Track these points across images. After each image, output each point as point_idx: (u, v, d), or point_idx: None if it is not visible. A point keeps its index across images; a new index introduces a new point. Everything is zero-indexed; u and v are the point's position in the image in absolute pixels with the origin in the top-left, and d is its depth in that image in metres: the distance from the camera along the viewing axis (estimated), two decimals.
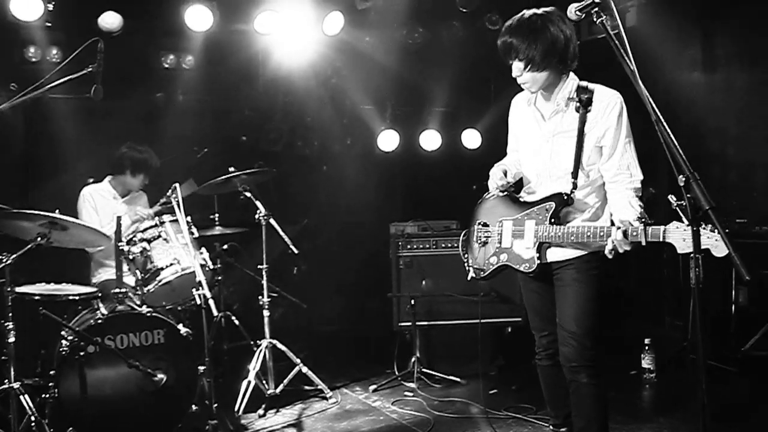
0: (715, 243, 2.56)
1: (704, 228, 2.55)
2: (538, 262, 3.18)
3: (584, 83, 3.15)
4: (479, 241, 3.44)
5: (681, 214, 2.28)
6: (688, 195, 2.23)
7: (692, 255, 2.26)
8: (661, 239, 2.79)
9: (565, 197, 3.15)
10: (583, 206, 3.21)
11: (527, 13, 3.07)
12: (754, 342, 5.24)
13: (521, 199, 3.37)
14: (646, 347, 5.10)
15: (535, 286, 3.38)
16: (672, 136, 2.28)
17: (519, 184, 3.48)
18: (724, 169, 6.15)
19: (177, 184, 4.32)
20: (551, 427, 3.63)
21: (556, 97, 3.17)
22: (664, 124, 2.29)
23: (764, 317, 5.27)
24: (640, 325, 6.30)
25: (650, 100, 2.34)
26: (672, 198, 2.30)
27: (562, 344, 3.21)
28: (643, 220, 2.91)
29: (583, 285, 3.16)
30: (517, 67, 3.07)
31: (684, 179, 2.22)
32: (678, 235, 2.72)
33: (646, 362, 5.09)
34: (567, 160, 3.15)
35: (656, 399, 4.75)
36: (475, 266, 3.46)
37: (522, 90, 3.28)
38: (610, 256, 2.97)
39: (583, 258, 3.17)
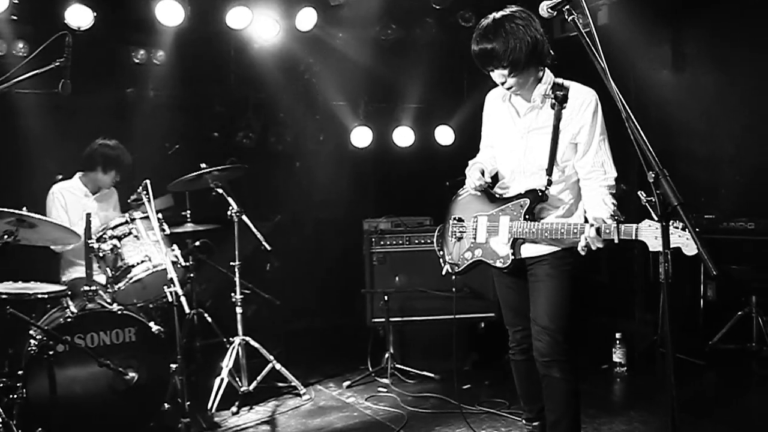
0: (685, 242, 2.59)
1: (675, 226, 2.58)
2: (513, 258, 3.20)
3: (560, 80, 3.17)
4: (454, 237, 3.46)
5: (650, 210, 2.31)
6: (658, 191, 2.26)
7: (662, 251, 2.29)
8: (633, 237, 2.82)
9: (540, 194, 3.17)
10: (557, 203, 3.23)
11: (497, 16, 3.04)
12: (722, 335, 5.35)
13: (496, 195, 3.38)
14: (617, 342, 5.16)
15: (509, 281, 3.40)
16: (641, 132, 2.30)
17: (494, 179, 3.49)
18: (692, 166, 6.24)
19: (147, 181, 4.27)
20: (524, 421, 3.66)
21: (532, 93, 3.17)
22: (634, 121, 2.32)
23: (731, 311, 5.37)
24: (611, 319, 6.38)
25: (620, 97, 2.37)
26: (641, 194, 2.32)
27: (535, 339, 3.22)
28: (616, 217, 2.94)
29: (556, 280, 3.19)
30: (501, 73, 3.05)
31: (653, 175, 2.25)
32: (650, 233, 2.75)
33: (617, 356, 5.15)
34: (542, 157, 3.17)
35: (627, 392, 4.81)
36: (450, 261, 3.48)
37: (496, 86, 3.28)
38: (583, 253, 3.00)
39: (557, 254, 3.20)
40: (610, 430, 4.05)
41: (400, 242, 5.52)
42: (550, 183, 3.17)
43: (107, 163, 4.89)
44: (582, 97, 3.11)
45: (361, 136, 6.87)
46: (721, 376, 5.00)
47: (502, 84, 3.11)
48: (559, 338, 3.16)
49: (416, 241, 5.51)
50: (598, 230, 2.90)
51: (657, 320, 5.55)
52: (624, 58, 6.07)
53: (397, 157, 7.10)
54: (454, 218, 3.49)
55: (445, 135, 7.05)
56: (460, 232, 3.44)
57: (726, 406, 4.43)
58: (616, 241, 2.88)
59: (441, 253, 3.56)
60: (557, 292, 3.19)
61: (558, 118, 3.12)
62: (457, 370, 5.31)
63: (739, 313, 5.30)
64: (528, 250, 3.25)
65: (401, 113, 7.10)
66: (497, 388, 4.87)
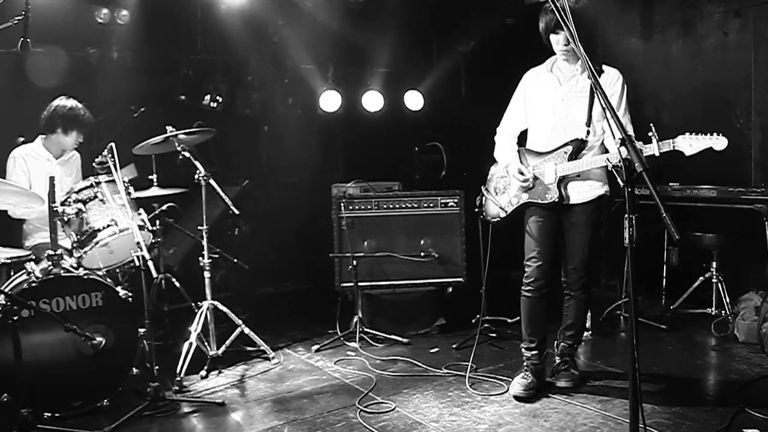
0: (715, 139, 3.46)
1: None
2: (558, 193, 3.93)
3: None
4: (498, 191, 4.25)
5: (616, 175, 2.34)
6: (625, 156, 2.29)
7: (626, 216, 2.32)
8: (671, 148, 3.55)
9: (581, 141, 3.91)
10: (590, 151, 3.91)
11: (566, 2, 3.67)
12: (683, 300, 5.47)
13: (539, 151, 4.06)
14: None
15: (545, 218, 4.05)
16: (609, 99, 2.32)
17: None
18: (658, 132, 6.30)
19: (113, 144, 4.20)
20: (524, 350, 4.21)
21: (576, 64, 3.96)
22: (602, 87, 2.34)
23: (693, 277, 5.49)
24: None
25: (589, 63, 2.38)
26: (608, 159, 2.36)
27: (569, 273, 4.18)
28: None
29: (590, 229, 4.03)
30: (566, 36, 3.76)
31: (620, 141, 2.28)
32: (685, 144, 3.54)
33: None
34: (581, 115, 3.93)
35: (591, 355, 4.90)
36: (496, 207, 4.23)
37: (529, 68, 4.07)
38: (615, 161, 3.51)
39: (591, 204, 3.99)
40: (575, 392, 4.14)
41: (369, 207, 5.53)
42: (588, 133, 3.90)
43: (67, 122, 4.75)
44: (613, 73, 3.95)
45: (330, 101, 6.82)
46: (681, 340, 5.12)
47: (565, 46, 3.86)
48: (585, 274, 4.14)
49: (384, 206, 5.53)
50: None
51: (621, 286, 5.66)
52: (593, 25, 6.08)
53: (366, 121, 7.06)
54: (498, 176, 4.27)
55: (414, 100, 7.02)
56: (504, 185, 4.21)
57: (685, 368, 4.55)
58: (657, 153, 3.52)
59: (483, 205, 4.35)
60: (589, 239, 4.05)
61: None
62: (424, 333, 5.39)
63: (701, 278, 5.42)
64: (570, 194, 3.97)
65: (370, 77, 7.05)
66: (464, 352, 4.94)
